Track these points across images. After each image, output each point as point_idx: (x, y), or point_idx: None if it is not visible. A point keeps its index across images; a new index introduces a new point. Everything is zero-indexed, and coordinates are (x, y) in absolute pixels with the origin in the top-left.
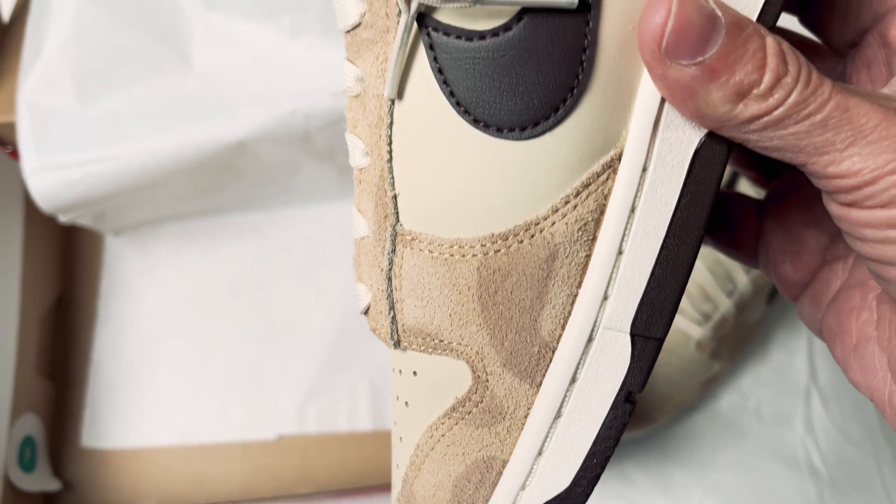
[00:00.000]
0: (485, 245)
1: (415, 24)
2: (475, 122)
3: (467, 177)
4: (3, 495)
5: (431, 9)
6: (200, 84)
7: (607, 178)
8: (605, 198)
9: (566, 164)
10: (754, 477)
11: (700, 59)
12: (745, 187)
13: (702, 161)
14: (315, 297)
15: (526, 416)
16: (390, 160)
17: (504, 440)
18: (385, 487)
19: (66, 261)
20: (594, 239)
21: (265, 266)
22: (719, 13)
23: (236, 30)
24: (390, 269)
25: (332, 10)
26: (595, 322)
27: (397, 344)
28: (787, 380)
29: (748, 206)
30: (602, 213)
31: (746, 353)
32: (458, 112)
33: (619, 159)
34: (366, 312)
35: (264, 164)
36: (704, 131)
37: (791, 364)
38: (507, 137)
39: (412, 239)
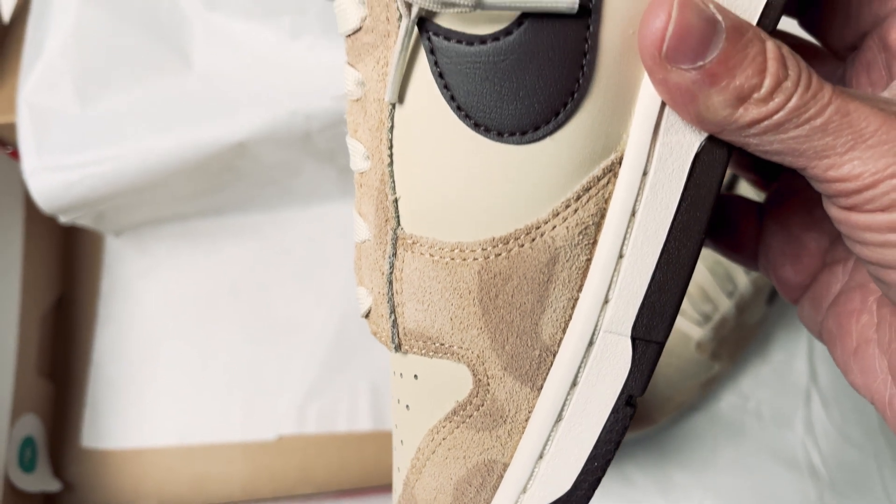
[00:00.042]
0: (486, 249)
1: (415, 29)
2: (476, 126)
3: (468, 181)
4: (4, 496)
5: (432, 13)
6: (201, 84)
7: (608, 182)
8: (606, 202)
9: (567, 168)
10: (754, 478)
11: (700, 63)
12: (746, 189)
13: (702, 165)
14: (315, 297)
15: (527, 420)
16: (391, 164)
17: (505, 443)
18: (385, 488)
19: (67, 261)
20: (595, 243)
21: (265, 266)
22: (719, 17)
23: (236, 30)
24: (391, 273)
25: (332, 11)
26: (596, 326)
27: (398, 347)
28: (788, 381)
29: (748, 208)
30: (603, 216)
31: (747, 353)
32: (459, 116)
33: (620, 163)
34: (367, 316)
35: (264, 164)
36: (705, 135)
37: (791, 365)
38: (507, 142)
39: (413, 243)
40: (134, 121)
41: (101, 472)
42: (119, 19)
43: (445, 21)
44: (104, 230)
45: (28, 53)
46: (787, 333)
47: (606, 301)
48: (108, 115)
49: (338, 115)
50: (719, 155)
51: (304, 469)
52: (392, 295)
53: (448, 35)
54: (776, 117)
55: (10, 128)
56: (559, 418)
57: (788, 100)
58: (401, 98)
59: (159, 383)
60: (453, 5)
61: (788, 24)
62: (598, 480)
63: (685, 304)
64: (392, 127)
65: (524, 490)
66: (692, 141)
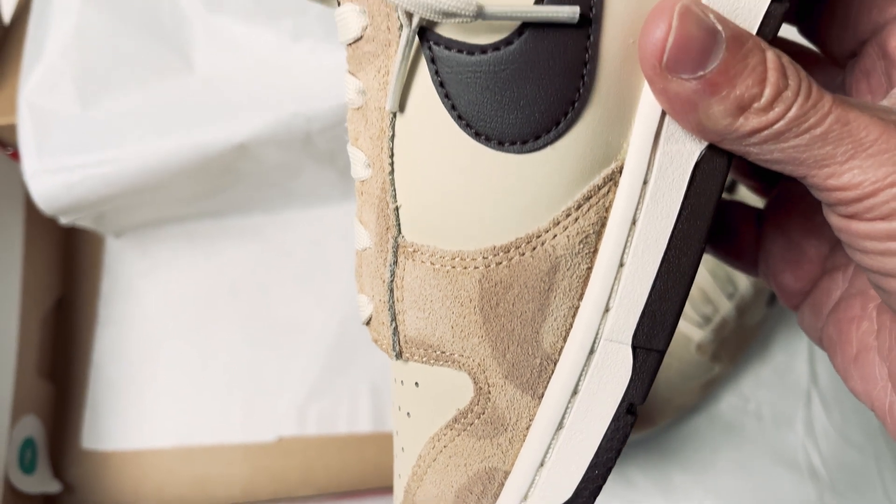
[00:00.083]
0: (486, 257)
1: (416, 38)
2: (476, 135)
3: (469, 190)
4: (4, 497)
5: (433, 23)
6: (202, 86)
7: (608, 191)
8: (607, 210)
9: (567, 177)
10: (755, 479)
11: (701, 73)
12: (746, 193)
13: (702, 174)
14: (315, 299)
15: (528, 428)
16: (392, 172)
17: (506, 451)
18: (385, 490)
19: (67, 262)
20: (595, 251)
21: (266, 268)
22: (720, 27)
23: (238, 32)
24: (392, 281)
25: (333, 13)
26: (596, 334)
27: (399, 355)
28: (788, 382)
29: (748, 214)
30: (603, 225)
31: (747, 355)
32: (460, 125)
33: (620, 172)
34: (367, 323)
35: (265, 166)
36: (705, 144)
37: (792, 366)
38: (508, 151)
39: (414, 251)
40: (135, 122)
41: (101, 473)
42: (120, 21)
43: (446, 31)
44: (104, 231)
45: (29, 54)
46: (788, 335)
47: (607, 309)
48: (108, 117)
49: (338, 116)
50: (719, 164)
51: (305, 470)
52: (393, 303)
53: (449, 44)
54: (776, 126)
55: (11, 129)
56: (560, 426)
57: (788, 109)
58: (402, 107)
59: (159, 384)
60: (454, 15)
61: (788, 32)
62: (599, 488)
63: (686, 306)
64: (393, 135)
65: (525, 498)
66: (692, 150)
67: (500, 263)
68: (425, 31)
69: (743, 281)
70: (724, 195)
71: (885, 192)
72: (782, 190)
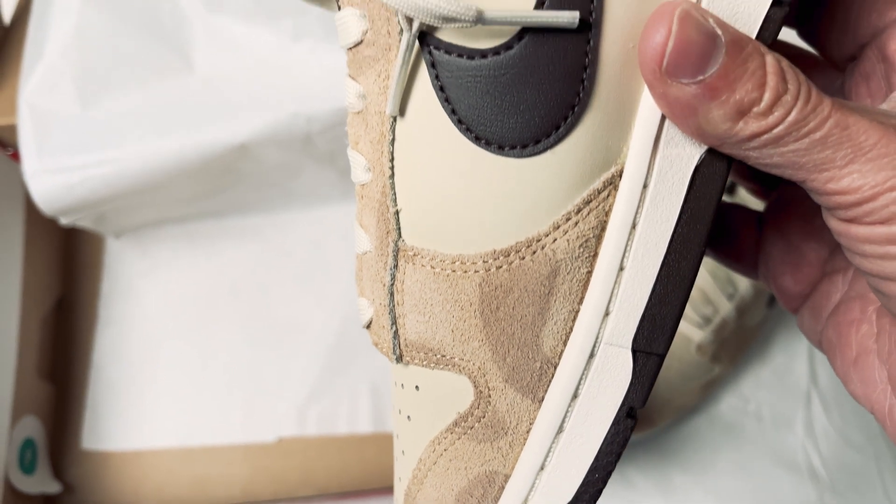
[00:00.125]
0: (486, 261)
1: (416, 43)
2: (477, 139)
3: (469, 194)
4: (4, 497)
5: (433, 27)
6: (202, 86)
7: (608, 195)
8: (607, 214)
9: (567, 181)
10: (755, 480)
11: (700, 77)
12: (746, 195)
13: (702, 177)
14: (316, 299)
15: (528, 431)
16: (392, 176)
17: (506, 455)
18: (385, 490)
19: (67, 263)
20: (595, 255)
21: (266, 268)
22: (719, 32)
23: (238, 32)
24: (392, 285)
25: (333, 14)
26: (597, 338)
27: (399, 358)
28: (788, 383)
29: (748, 217)
30: (603, 229)
31: (747, 356)
32: (460, 129)
33: (620, 176)
34: (368, 326)
35: (265, 166)
36: (704, 148)
37: (792, 367)
38: (508, 155)
39: (414, 254)
40: (135, 123)
41: (101, 473)
42: (120, 21)
43: (446, 35)
44: (105, 232)
45: (29, 55)
46: (788, 336)
47: (607, 313)
48: (109, 117)
49: (338, 117)
50: (719, 167)
51: (305, 471)
52: (393, 306)
53: (449, 49)
54: (776, 131)
55: (11, 129)
56: (560, 430)
57: (788, 113)
58: (402, 111)
59: (160, 385)
60: (454, 20)
61: (788, 35)
62: (600, 492)
63: (685, 307)
64: (393, 139)
65: (525, 501)
66: (692, 154)
67: (501, 267)
68: (425, 36)
69: (743, 282)
70: (725, 197)
71: (885, 195)
72: (782, 193)
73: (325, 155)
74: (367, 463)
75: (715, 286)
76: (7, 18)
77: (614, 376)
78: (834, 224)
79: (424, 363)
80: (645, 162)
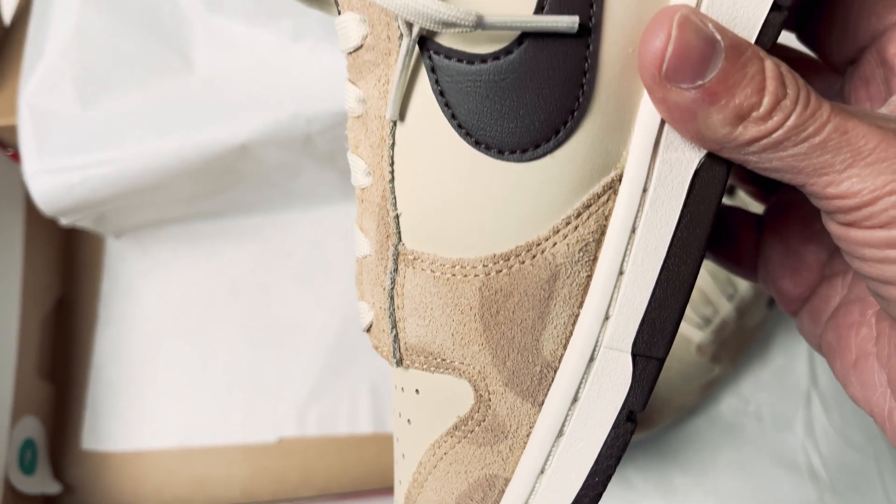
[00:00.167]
0: (486, 265)
1: (416, 48)
2: (476, 143)
3: (469, 198)
4: (4, 498)
5: (433, 32)
6: (202, 87)
7: (608, 199)
8: (606, 218)
9: (567, 186)
10: (755, 480)
11: (700, 82)
12: (746, 197)
13: (702, 182)
14: (316, 299)
15: (528, 435)
16: (392, 180)
17: (506, 459)
18: (385, 490)
19: (67, 263)
20: (595, 259)
21: (266, 269)
22: (718, 37)
23: (238, 33)
24: (392, 288)
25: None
26: (596, 342)
27: (399, 362)
28: (788, 383)
29: (747, 220)
30: (603, 233)
31: (747, 356)
32: (460, 134)
33: (620, 180)
34: (368, 330)
35: (265, 166)
36: (704, 152)
37: (792, 368)
38: (508, 159)
39: (414, 258)
40: (135, 123)
41: (101, 474)
42: (120, 21)
43: (446, 40)
44: (105, 232)
45: (29, 55)
46: (788, 336)
47: (607, 317)
48: (109, 117)
49: (338, 117)
50: (718, 172)
51: (305, 471)
52: (393, 310)
53: (449, 54)
54: (775, 135)
55: (11, 130)
56: (560, 434)
57: (787, 118)
58: (402, 116)
59: (160, 385)
60: (454, 25)
61: (787, 38)
62: (599, 496)
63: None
64: (393, 144)
65: None
66: (691, 158)
67: (501, 271)
68: (425, 41)
69: (743, 282)
70: (724, 199)
71: (884, 200)
72: (781, 196)
73: (325, 155)
74: (367, 463)
75: (715, 287)
76: (7, 19)
77: (614, 380)
78: (833, 228)
79: (424, 367)
80: (644, 166)
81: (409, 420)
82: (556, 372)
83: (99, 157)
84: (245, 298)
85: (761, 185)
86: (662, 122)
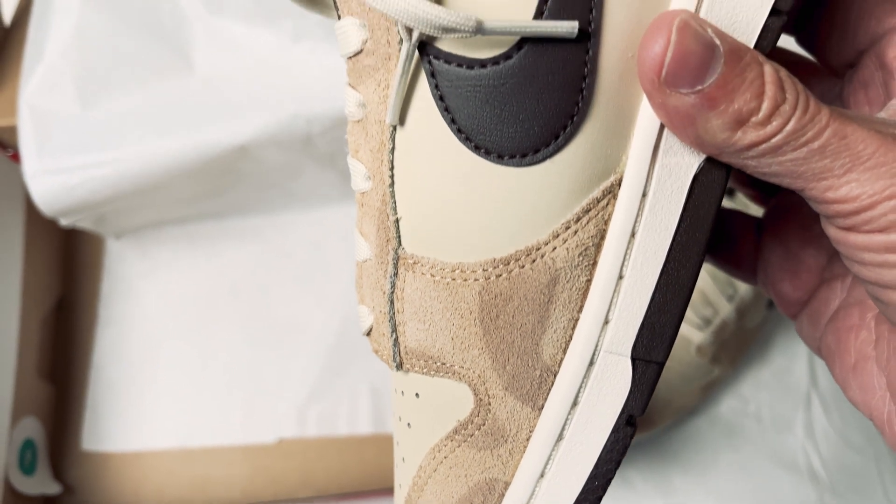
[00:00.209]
0: (486, 270)
1: (416, 53)
2: (476, 148)
3: (468, 202)
4: (4, 498)
5: (433, 37)
6: (202, 87)
7: (607, 204)
8: (606, 223)
9: (567, 190)
10: (755, 481)
11: (699, 87)
12: (746, 199)
13: (701, 186)
14: (316, 300)
15: (528, 439)
16: (392, 185)
17: (506, 462)
18: (385, 491)
19: (67, 263)
20: (595, 264)
21: (266, 269)
22: (718, 42)
23: (238, 33)
24: (392, 292)
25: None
26: (596, 346)
27: (399, 366)
28: (788, 384)
29: (747, 223)
30: (602, 238)
31: (747, 357)
32: (460, 139)
33: (619, 185)
34: (368, 334)
35: (266, 167)
36: (703, 157)
37: (791, 369)
38: (507, 164)
39: (414, 263)
40: (135, 123)
41: (101, 474)
42: (120, 22)
43: (446, 45)
44: (105, 233)
45: (29, 56)
46: (788, 337)
47: (606, 322)
48: (109, 118)
49: (339, 118)
50: (718, 176)
51: (305, 472)
52: (393, 314)
53: (448, 59)
54: (774, 140)
55: (11, 130)
56: (560, 438)
57: (786, 123)
58: (402, 120)
59: (160, 386)
60: (453, 31)
61: (786, 42)
62: (599, 499)
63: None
64: (393, 148)
65: None
66: (691, 162)
67: (500, 276)
68: (425, 46)
69: (743, 283)
70: (725, 201)
71: (883, 204)
72: (780, 199)
73: (325, 156)
74: (366, 464)
75: (715, 288)
76: (7, 19)
77: (614, 384)
78: (832, 232)
79: (424, 371)
80: (644, 171)
81: (409, 424)
82: (555, 376)
83: (99, 157)
84: (245, 299)
85: (760, 188)
86: (662, 127)
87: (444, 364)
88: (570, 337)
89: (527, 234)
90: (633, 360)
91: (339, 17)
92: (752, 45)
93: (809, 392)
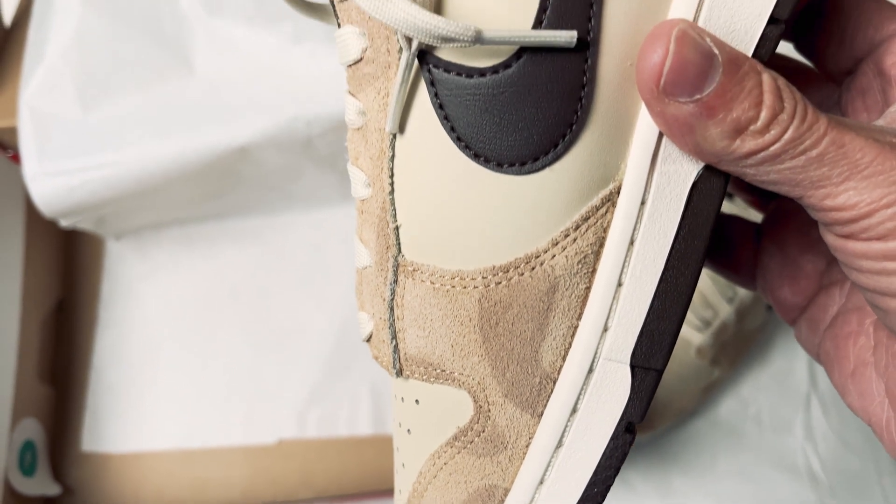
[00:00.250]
0: (486, 277)
1: (416, 61)
2: (475, 156)
3: (468, 210)
4: (4, 499)
5: (432, 46)
6: (202, 89)
7: (606, 212)
8: (605, 231)
9: (566, 198)
10: (754, 483)
11: (698, 96)
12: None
13: (699, 194)
14: (316, 301)
15: (527, 446)
16: (392, 192)
17: (506, 469)
18: (385, 493)
19: (67, 265)
20: (594, 271)
21: (266, 271)
22: (716, 51)
23: (238, 35)
24: (392, 299)
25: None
26: (595, 353)
27: (399, 372)
28: (788, 386)
29: (746, 229)
30: (601, 245)
31: (747, 359)
32: (459, 147)
33: (618, 193)
34: (368, 340)
35: (265, 169)
36: (702, 164)
37: (791, 371)
38: (507, 172)
39: (414, 270)
40: (135, 125)
41: (101, 475)
42: (121, 23)
43: (445, 54)
44: (105, 234)
45: (29, 57)
46: (787, 339)
47: (606, 329)
48: (109, 120)
49: (339, 120)
50: (716, 184)
51: (305, 473)
52: (393, 321)
53: (448, 67)
54: (772, 149)
55: (12, 132)
56: (559, 444)
57: (784, 132)
58: (401, 128)
59: (160, 387)
60: (453, 40)
61: (785, 48)
62: None
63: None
64: (393, 156)
65: None
66: (689, 170)
67: (500, 283)
68: (425, 54)
69: None
70: (724, 205)
71: (881, 212)
72: (779, 205)
73: (325, 158)
74: (366, 465)
75: (715, 289)
76: (8, 20)
77: (613, 391)
78: (830, 240)
79: (424, 377)
80: (643, 179)
81: (409, 430)
82: (555, 383)
83: (99, 159)
84: (245, 300)
85: (759, 193)
86: (660, 135)
87: (443, 371)
88: (570, 344)
89: (526, 242)
90: (633, 367)
91: (339, 26)
92: (750, 54)
93: (809, 394)
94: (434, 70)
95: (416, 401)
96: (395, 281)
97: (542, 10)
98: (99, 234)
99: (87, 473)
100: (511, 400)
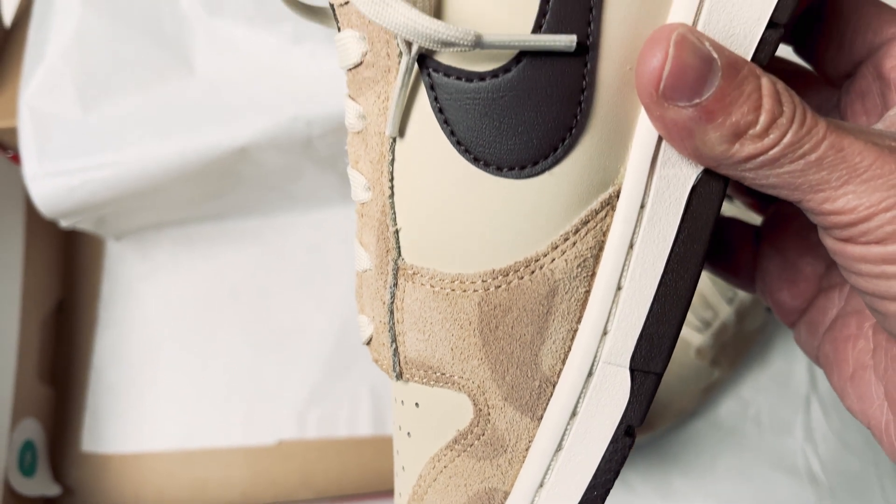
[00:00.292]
0: (486, 281)
1: (416, 65)
2: (475, 160)
3: (468, 214)
4: (4, 500)
5: (432, 50)
6: (202, 90)
7: (606, 216)
8: (604, 234)
9: (565, 202)
10: (754, 484)
11: (697, 100)
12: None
13: (699, 197)
14: (316, 302)
15: (527, 449)
16: (392, 196)
17: (506, 472)
18: (384, 493)
19: (67, 265)
20: (593, 275)
21: (266, 271)
22: (715, 55)
23: (238, 36)
24: (392, 303)
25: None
26: (595, 357)
27: (399, 376)
28: (788, 387)
29: (745, 232)
30: (601, 249)
31: (746, 360)
32: (459, 151)
33: (618, 196)
34: (368, 343)
35: (265, 169)
36: (701, 168)
37: (791, 372)
38: (506, 176)
39: (414, 273)
40: (135, 125)
41: (101, 476)
42: (121, 24)
43: (445, 58)
44: (105, 234)
45: (29, 57)
46: (787, 340)
47: (605, 332)
48: (109, 120)
49: (339, 121)
50: (716, 188)
51: (305, 474)
52: (393, 324)
53: (448, 71)
54: (772, 153)
55: (12, 132)
56: (559, 448)
57: (783, 136)
58: (401, 132)
59: (160, 387)
60: (452, 45)
61: (784, 52)
62: None
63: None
64: (393, 160)
65: None
66: (689, 174)
67: (500, 287)
68: (425, 58)
69: None
70: (724, 206)
71: (880, 216)
72: (779, 208)
73: (325, 158)
74: (366, 466)
75: (715, 290)
76: (8, 21)
77: (612, 395)
78: (830, 243)
79: (424, 381)
80: (642, 182)
81: (409, 433)
82: (554, 386)
83: (99, 159)
84: (245, 301)
85: (758, 196)
86: (660, 139)
87: (443, 374)
88: (569, 348)
89: (526, 246)
90: (632, 370)
91: (339, 30)
92: (749, 58)
93: (809, 395)
94: (434, 74)
95: (416, 404)
96: (395, 284)
97: (541, 14)
98: (99, 235)
99: (87, 474)
100: (511, 403)
